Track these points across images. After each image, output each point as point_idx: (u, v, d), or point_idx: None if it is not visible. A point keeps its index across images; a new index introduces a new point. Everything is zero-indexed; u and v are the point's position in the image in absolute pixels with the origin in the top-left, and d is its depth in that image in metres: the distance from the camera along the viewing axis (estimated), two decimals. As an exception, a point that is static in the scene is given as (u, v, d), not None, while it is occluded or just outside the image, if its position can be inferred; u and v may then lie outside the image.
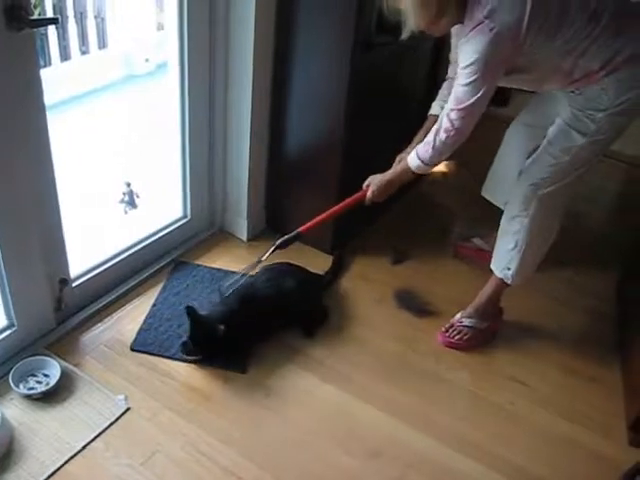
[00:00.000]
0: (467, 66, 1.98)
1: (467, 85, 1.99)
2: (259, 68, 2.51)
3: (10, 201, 1.96)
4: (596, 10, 1.95)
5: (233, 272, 2.56)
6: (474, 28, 1.93)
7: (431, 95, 2.63)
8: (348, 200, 2.39)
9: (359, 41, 2.38)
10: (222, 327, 2.19)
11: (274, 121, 2.71)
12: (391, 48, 2.63)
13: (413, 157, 2.17)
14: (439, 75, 3.12)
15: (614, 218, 3.65)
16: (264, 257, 2.37)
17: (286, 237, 2.36)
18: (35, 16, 1.75)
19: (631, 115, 2.07)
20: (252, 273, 2.49)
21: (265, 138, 2.75)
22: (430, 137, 2.11)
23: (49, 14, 3.80)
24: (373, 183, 2.32)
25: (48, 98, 1.96)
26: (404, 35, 2.05)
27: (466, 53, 1.98)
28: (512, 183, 2.35)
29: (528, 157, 2.29)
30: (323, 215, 2.39)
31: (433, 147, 2.10)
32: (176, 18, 2.35)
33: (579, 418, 2.21)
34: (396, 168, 2.30)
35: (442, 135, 2.07)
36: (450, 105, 2.06)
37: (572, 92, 2.11)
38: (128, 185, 3.10)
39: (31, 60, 1.87)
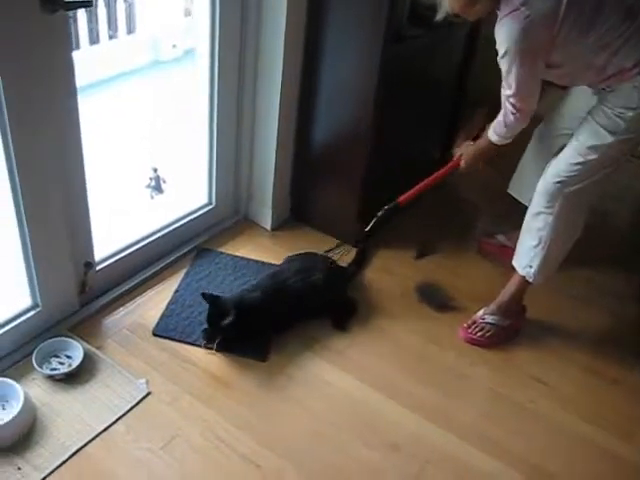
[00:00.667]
0: (503, 56, 2.02)
1: (509, 73, 2.04)
2: (289, 57, 2.50)
3: (39, 183, 1.97)
4: (632, 7, 1.93)
5: (256, 261, 2.57)
6: (509, 14, 1.93)
7: (463, 87, 2.63)
8: (442, 170, 2.55)
9: (390, 33, 2.37)
10: (234, 311, 2.19)
11: (302, 111, 2.70)
12: (423, 40, 2.62)
13: (491, 133, 2.28)
14: (473, 66, 3.12)
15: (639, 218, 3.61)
16: (367, 229, 2.55)
17: (386, 207, 2.51)
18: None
19: None
20: (274, 261, 2.50)
21: (293, 128, 2.74)
22: (500, 117, 2.21)
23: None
24: (465, 153, 2.45)
25: (79, 81, 1.96)
26: (439, 16, 2.09)
27: (499, 39, 2.01)
28: (538, 181, 2.33)
29: (556, 154, 2.27)
30: (419, 186, 2.55)
31: (505, 125, 2.21)
32: (208, 5, 2.35)
33: (599, 420, 2.19)
34: (480, 141, 2.40)
35: (510, 117, 2.17)
36: (504, 92, 2.12)
37: (603, 89, 2.09)
38: (155, 170, 3.11)
39: (64, 42, 1.89)
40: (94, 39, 4.27)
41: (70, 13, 1.85)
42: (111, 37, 4.39)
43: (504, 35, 1.98)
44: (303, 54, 2.58)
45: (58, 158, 2.00)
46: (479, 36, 2.99)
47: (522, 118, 2.15)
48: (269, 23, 2.44)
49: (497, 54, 2.04)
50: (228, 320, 2.20)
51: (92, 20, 4.21)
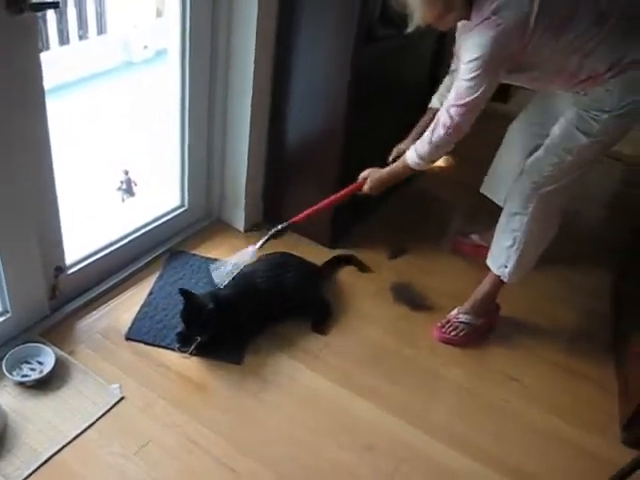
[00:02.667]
0: (471, 61, 1.98)
1: (469, 80, 1.99)
2: (261, 58, 2.49)
3: (7, 187, 1.94)
4: (604, 12, 1.94)
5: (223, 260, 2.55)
6: (481, 23, 1.93)
7: (433, 89, 2.63)
8: (343, 191, 2.40)
9: (361, 33, 2.37)
10: (211, 306, 2.18)
11: (274, 112, 2.69)
12: (394, 41, 2.62)
13: (411, 154, 2.17)
14: (441, 69, 3.12)
15: (611, 217, 3.65)
16: (257, 246, 2.35)
17: (279, 227, 2.36)
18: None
19: (635, 117, 2.06)
20: (250, 262, 2.48)
21: (265, 129, 2.73)
22: (428, 133, 2.11)
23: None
24: (370, 176, 2.32)
25: (45, 83, 1.94)
26: (410, 29, 2.05)
27: (470, 47, 1.98)
28: (512, 181, 2.34)
29: (529, 155, 2.28)
30: (317, 205, 2.39)
31: (430, 142, 2.10)
32: (178, 5, 2.33)
33: (573, 416, 2.21)
34: (395, 164, 2.29)
35: (440, 131, 2.06)
36: (450, 101, 2.05)
37: (577, 92, 2.11)
38: (126, 173, 3.09)
39: (32, 43, 1.85)
40: (64, 40, 4.23)
41: (38, 14, 1.82)
42: (81, 38, 4.36)
43: (475, 43, 1.96)
44: (275, 55, 2.57)
45: (26, 161, 1.97)
46: (447, 40, 2.99)
47: (453, 135, 2.06)
48: (240, 24, 2.43)
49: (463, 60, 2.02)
50: (208, 310, 2.18)
51: (62, 21, 4.17)
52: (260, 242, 2.35)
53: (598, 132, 2.07)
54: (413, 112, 3.22)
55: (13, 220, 2.01)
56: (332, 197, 2.40)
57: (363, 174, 2.36)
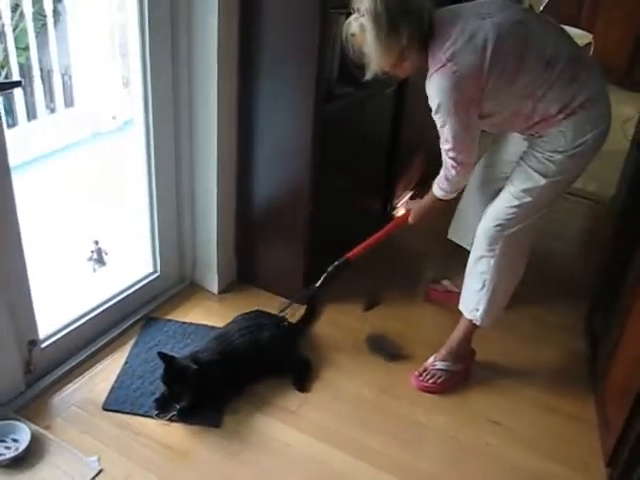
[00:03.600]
0: (436, 112, 2.08)
1: (444, 127, 2.09)
2: (223, 124, 2.54)
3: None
4: (550, 59, 2.03)
5: (205, 325, 2.56)
6: (438, 70, 2.01)
7: (397, 137, 2.69)
8: (391, 224, 2.58)
9: (320, 92, 2.44)
10: (193, 365, 2.17)
11: (241, 175, 2.74)
12: (354, 97, 2.69)
13: (436, 189, 2.31)
14: (404, 118, 3.21)
15: (580, 253, 3.71)
16: (317, 285, 2.52)
17: (336, 264, 2.50)
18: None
19: (589, 156, 2.14)
20: (223, 324, 2.50)
21: (233, 191, 2.77)
22: (443, 171, 2.23)
23: (15, 73, 3.82)
24: (413, 209, 2.47)
25: (15, 158, 1.96)
26: (367, 76, 2.15)
27: (431, 95, 2.07)
28: (477, 224, 2.38)
29: (492, 199, 2.34)
30: (369, 240, 2.55)
31: (447, 179, 2.23)
32: (140, 75, 2.38)
33: (557, 456, 2.21)
34: (427, 197, 2.41)
35: (451, 171, 2.19)
36: (442, 145, 2.16)
37: (532, 135, 2.18)
38: (96, 243, 3.09)
39: (-6, 124, 1.88)
40: (33, 114, 4.26)
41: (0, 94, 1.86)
42: (51, 111, 4.40)
43: (435, 91, 2.04)
44: (237, 118, 2.62)
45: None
46: (407, 85, 3.09)
47: (463, 171, 2.19)
48: (201, 91, 2.48)
49: (431, 110, 2.10)
50: (192, 371, 2.16)
51: (30, 94, 4.21)
52: (320, 281, 2.51)
53: (555, 172, 2.13)
54: (379, 163, 3.32)
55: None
56: (382, 231, 2.56)
57: (406, 207, 2.54)
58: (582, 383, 2.54)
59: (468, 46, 1.99)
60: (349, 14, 2.09)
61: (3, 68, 3.93)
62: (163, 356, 2.21)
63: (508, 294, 2.41)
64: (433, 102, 2.08)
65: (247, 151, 2.67)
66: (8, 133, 1.91)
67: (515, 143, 2.36)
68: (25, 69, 4.15)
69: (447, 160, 2.18)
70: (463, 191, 2.53)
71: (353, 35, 2.09)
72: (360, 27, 2.04)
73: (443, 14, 2.10)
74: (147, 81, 2.38)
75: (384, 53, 2.05)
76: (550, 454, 2.21)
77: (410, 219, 2.50)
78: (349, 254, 2.52)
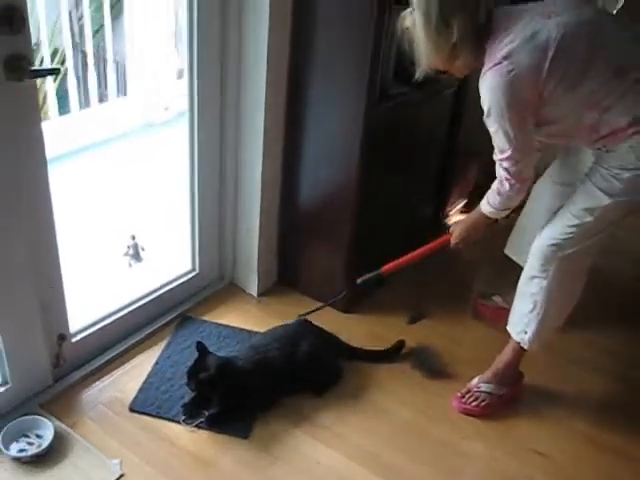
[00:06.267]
0: (488, 115, 1.95)
1: (497, 133, 1.96)
2: (271, 121, 2.46)
3: (8, 255, 1.90)
4: (622, 67, 1.87)
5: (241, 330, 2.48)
6: (491, 68, 1.88)
7: (454, 142, 2.56)
8: (432, 244, 2.43)
9: (373, 92, 2.33)
10: (212, 371, 2.11)
11: (286, 174, 2.65)
12: (409, 97, 2.57)
13: (485, 203, 2.15)
14: (463, 119, 3.06)
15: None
16: (340, 296, 2.52)
17: (366, 277, 2.40)
18: (35, 66, 1.71)
19: None
20: (259, 329, 2.42)
21: (277, 191, 2.68)
22: (496, 184, 2.08)
23: (69, 60, 3.80)
24: (457, 228, 2.33)
25: (66, 146, 1.91)
26: (418, 75, 2.04)
27: (483, 95, 1.94)
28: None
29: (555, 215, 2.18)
30: (406, 257, 2.43)
31: (500, 194, 2.08)
32: (187, 67, 2.32)
33: (604, 495, 2.07)
34: (473, 214, 2.28)
35: (505, 185, 2.04)
36: (496, 156, 2.02)
37: (599, 149, 2.02)
38: (133, 238, 3.05)
39: (32, 111, 1.83)
40: (86, 103, 4.26)
41: (38, 81, 1.81)
42: (102, 100, 4.39)
43: (487, 90, 1.91)
44: (285, 117, 2.53)
45: (28, 229, 1.93)
46: (468, 87, 2.94)
47: (518, 186, 2.03)
48: (249, 88, 2.41)
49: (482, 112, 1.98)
50: (205, 375, 2.11)
51: (84, 84, 4.21)
52: (341, 294, 2.51)
53: (621, 192, 1.96)
54: (432, 168, 3.19)
55: (13, 287, 1.96)
56: (421, 249, 2.42)
57: (452, 227, 2.38)
58: (635, 417, 2.38)
59: (528, 45, 1.85)
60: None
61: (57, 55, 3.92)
62: (200, 347, 2.16)
63: (561, 318, 2.26)
64: (485, 104, 1.94)
65: (294, 151, 2.59)
66: (60, 120, 1.86)
67: (582, 157, 2.19)
68: (78, 55, 4.15)
69: (501, 172, 2.04)
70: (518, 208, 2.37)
71: (407, 29, 1.98)
72: (412, 21, 1.94)
73: (504, 11, 1.97)
74: (193, 71, 2.32)
75: (433, 49, 1.94)
76: (597, 494, 2.07)
77: (452, 240, 2.35)
78: (386, 267, 2.41)
